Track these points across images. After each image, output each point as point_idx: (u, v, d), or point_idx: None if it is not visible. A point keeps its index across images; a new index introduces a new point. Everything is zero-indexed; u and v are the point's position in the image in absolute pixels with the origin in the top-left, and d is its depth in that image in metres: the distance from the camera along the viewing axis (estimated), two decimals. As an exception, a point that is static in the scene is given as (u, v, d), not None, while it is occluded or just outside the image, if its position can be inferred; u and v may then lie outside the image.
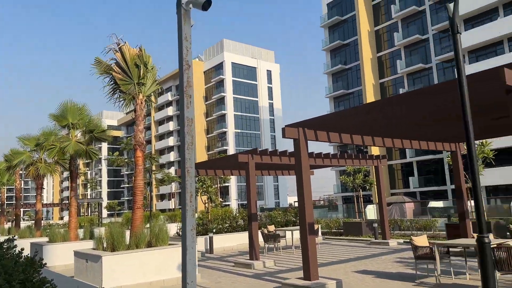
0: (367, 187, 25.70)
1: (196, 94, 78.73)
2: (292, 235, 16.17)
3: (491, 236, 10.07)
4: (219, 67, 77.11)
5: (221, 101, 75.82)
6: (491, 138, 13.83)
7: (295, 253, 15.26)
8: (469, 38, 37.99)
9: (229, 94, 75.06)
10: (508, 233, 11.79)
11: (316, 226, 16.97)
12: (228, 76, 75.55)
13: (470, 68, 35.73)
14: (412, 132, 11.28)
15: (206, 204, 20.93)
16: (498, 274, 7.76)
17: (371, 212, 30.23)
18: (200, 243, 17.31)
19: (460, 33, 5.40)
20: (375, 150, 44.81)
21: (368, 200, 40.65)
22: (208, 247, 17.00)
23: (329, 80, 56.04)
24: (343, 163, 16.68)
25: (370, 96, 48.82)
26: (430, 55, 44.61)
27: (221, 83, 76.19)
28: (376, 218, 23.91)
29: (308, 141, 9.73)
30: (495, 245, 7.90)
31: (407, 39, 46.21)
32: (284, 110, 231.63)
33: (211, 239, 16.96)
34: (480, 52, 38.69)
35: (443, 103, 7.84)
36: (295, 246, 16.55)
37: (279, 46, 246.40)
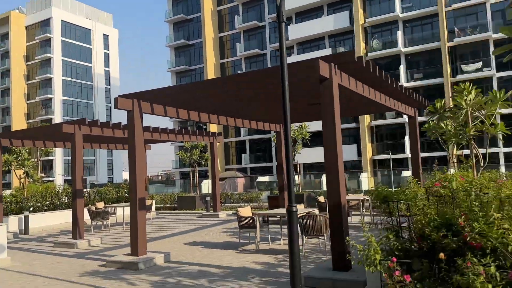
0: (203, 163, 26.59)
1: (14, 52, 67.30)
2: (123, 212, 15.58)
3: (302, 206, 11.62)
4: (45, 24, 67.29)
5: (47, 63, 66.69)
6: (308, 121, 15.85)
7: (125, 229, 14.78)
8: (298, 31, 42.24)
9: (57, 55, 66.47)
10: (316, 203, 13.81)
11: (149, 202, 16.75)
12: (56, 36, 66.68)
13: (297, 58, 39.95)
14: (244, 112, 12.03)
15: (22, 180, 18.38)
16: (305, 239, 9.05)
17: (206, 186, 31.52)
18: (13, 223, 15.23)
19: (285, 22, 5.91)
20: (213, 128, 46.44)
21: (204, 175, 42.09)
22: (23, 228, 15.07)
23: (171, 53, 55.04)
24: (181, 139, 16.78)
25: (211, 74, 50.02)
26: (266, 42, 48.06)
27: (47, 42, 66.80)
28: (209, 192, 24.98)
29: (148, 115, 9.42)
30: (304, 214, 9.16)
31: (246, 24, 48.58)
32: (124, 80, 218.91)
33: (26, 218, 15.05)
34: (306, 44, 43.49)
35: (268, 87, 8.56)
36: (126, 223, 16.02)
37: (121, 12, 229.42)
